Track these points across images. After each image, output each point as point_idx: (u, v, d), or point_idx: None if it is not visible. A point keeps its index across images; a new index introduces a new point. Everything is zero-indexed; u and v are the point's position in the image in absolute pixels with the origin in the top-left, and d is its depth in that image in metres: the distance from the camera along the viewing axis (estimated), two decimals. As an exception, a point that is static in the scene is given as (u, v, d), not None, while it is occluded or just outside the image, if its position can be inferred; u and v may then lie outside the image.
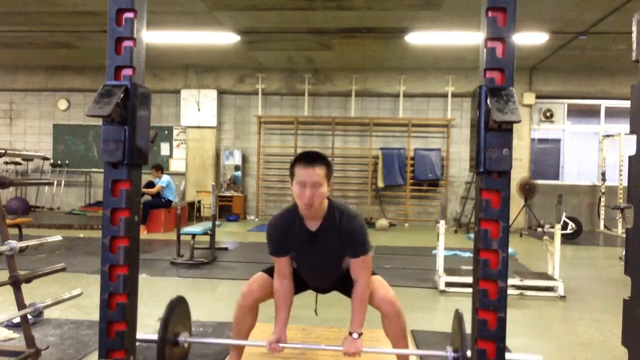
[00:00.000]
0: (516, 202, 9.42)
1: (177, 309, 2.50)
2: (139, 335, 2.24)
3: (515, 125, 1.91)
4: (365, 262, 2.27)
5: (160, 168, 8.94)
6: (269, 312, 2.54)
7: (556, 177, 11.26)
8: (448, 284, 4.72)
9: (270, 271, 2.45)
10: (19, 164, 11.49)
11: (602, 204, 10.46)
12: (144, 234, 8.27)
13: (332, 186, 2.26)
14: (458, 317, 2.23)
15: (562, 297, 4.59)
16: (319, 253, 2.30)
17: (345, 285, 2.41)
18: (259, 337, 2.59)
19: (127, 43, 2.05)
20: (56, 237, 3.02)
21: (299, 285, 2.48)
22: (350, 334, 2.27)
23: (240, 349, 2.55)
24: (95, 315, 2.82)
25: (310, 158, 2.17)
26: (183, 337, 2.46)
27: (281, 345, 2.31)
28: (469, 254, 6.60)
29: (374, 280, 2.39)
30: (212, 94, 11.19)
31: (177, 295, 2.61)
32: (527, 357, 2.10)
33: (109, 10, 2.05)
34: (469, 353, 2.03)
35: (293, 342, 2.69)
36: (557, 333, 3.66)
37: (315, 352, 2.93)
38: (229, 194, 11.15)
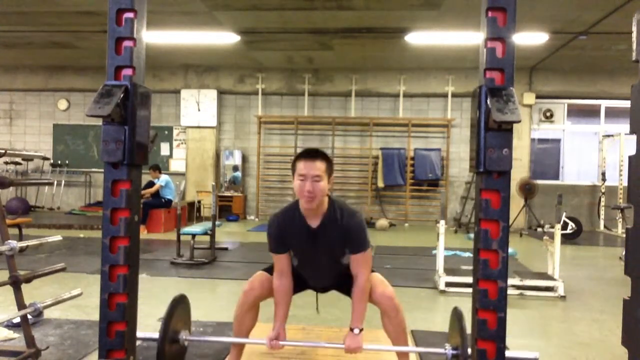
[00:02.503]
0: (516, 202, 9.42)
1: (179, 307, 2.50)
2: (139, 333, 2.24)
3: (515, 125, 1.91)
4: (365, 258, 2.28)
5: (158, 168, 8.94)
6: (269, 312, 2.54)
7: (556, 177, 11.26)
8: (448, 284, 4.72)
9: (270, 270, 2.46)
10: (19, 164, 11.49)
11: (602, 204, 10.45)
12: (144, 234, 8.27)
13: (332, 183, 2.28)
14: (457, 315, 2.23)
15: (562, 297, 4.59)
16: (319, 250, 2.30)
17: (344, 284, 2.41)
18: (256, 337, 2.59)
19: (127, 43, 2.05)
20: (56, 237, 3.02)
21: (299, 284, 2.47)
22: (352, 329, 2.28)
23: (240, 349, 2.55)
24: (95, 315, 2.82)
25: (311, 153, 2.22)
26: (183, 335, 2.46)
27: (281, 342, 2.31)
28: (469, 254, 6.60)
29: (373, 277, 2.40)
30: (212, 94, 11.19)
31: (180, 293, 2.61)
32: (525, 355, 2.10)
33: (109, 10, 2.05)
34: (469, 351, 2.03)
35: (293, 340, 2.69)
36: (557, 333, 3.66)
37: (315, 352, 2.93)
38: (229, 194, 11.15)
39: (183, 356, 2.61)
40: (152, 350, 2.97)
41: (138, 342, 2.21)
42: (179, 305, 2.51)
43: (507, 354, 1.93)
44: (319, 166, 2.17)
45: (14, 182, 2.74)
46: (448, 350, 2.17)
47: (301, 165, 2.18)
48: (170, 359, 2.41)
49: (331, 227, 2.25)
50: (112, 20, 2.05)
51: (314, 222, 2.27)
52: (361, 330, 2.28)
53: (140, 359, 2.81)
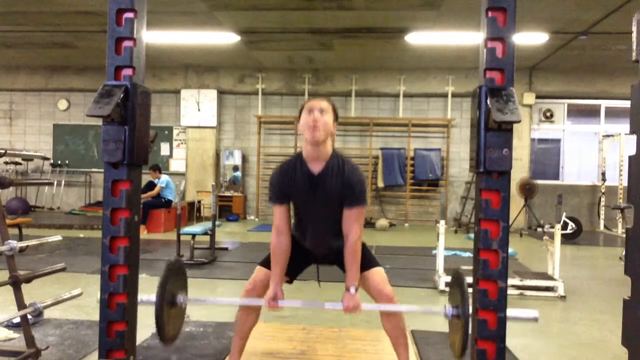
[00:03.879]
0: (516, 202, 9.42)
1: (175, 272, 2.38)
2: (139, 297, 2.21)
3: (515, 125, 1.91)
4: (358, 214, 2.30)
5: (158, 168, 8.94)
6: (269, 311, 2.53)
7: (556, 177, 11.26)
8: (448, 284, 4.71)
9: (267, 263, 2.43)
10: (19, 164, 11.48)
11: (602, 204, 10.46)
12: (144, 234, 8.27)
13: (335, 128, 2.38)
14: (457, 275, 2.21)
15: (562, 297, 4.59)
16: (319, 199, 2.31)
17: (342, 259, 2.37)
18: (257, 337, 2.58)
19: (127, 43, 2.06)
20: (56, 237, 3.02)
21: (299, 257, 2.44)
22: (348, 289, 2.27)
23: (240, 349, 2.54)
24: (95, 315, 2.82)
25: (317, 97, 2.41)
26: (181, 298, 2.40)
27: (280, 303, 2.29)
28: (469, 254, 6.60)
29: (375, 273, 2.39)
30: (212, 94, 11.19)
31: (175, 258, 2.54)
32: (525, 314, 2.10)
33: (109, 10, 2.05)
34: (470, 310, 2.02)
35: (292, 344, 2.68)
36: (557, 333, 3.66)
37: (315, 352, 2.93)
38: (229, 194, 11.15)
39: (182, 318, 2.52)
40: (152, 350, 2.98)
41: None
42: (175, 270, 2.39)
43: (508, 312, 1.95)
44: (325, 104, 2.31)
45: (14, 182, 2.74)
46: (448, 309, 2.18)
47: (308, 103, 2.32)
48: (169, 321, 2.34)
49: (332, 175, 2.29)
50: (112, 20, 2.05)
51: (316, 168, 2.30)
52: (357, 288, 2.28)
53: (140, 359, 2.81)
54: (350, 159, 2.40)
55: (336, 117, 2.37)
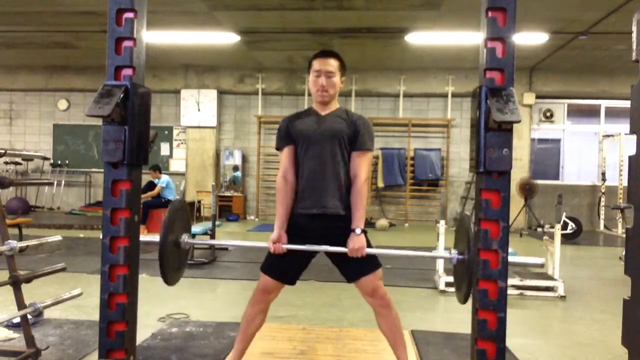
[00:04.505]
0: (516, 202, 9.42)
1: (179, 213, 2.40)
2: (143, 237, 2.24)
3: (515, 125, 1.91)
4: (366, 158, 2.38)
5: (159, 168, 8.93)
6: (271, 312, 2.53)
7: (556, 177, 11.26)
8: (448, 284, 4.71)
9: (268, 270, 2.41)
10: (19, 164, 11.49)
11: (602, 204, 10.46)
12: (144, 234, 8.27)
13: (344, 81, 2.45)
14: (463, 220, 2.21)
15: (562, 297, 4.59)
16: (324, 134, 2.36)
17: (339, 241, 2.31)
18: (257, 336, 2.58)
19: (127, 43, 2.06)
20: (56, 237, 3.02)
21: (298, 260, 2.40)
22: (353, 230, 2.28)
23: (241, 349, 2.53)
24: (95, 315, 2.82)
25: (325, 52, 2.42)
26: (185, 238, 2.40)
27: (283, 245, 2.30)
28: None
29: (372, 274, 2.36)
30: (212, 94, 11.19)
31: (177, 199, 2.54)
32: (531, 260, 2.13)
33: (109, 10, 2.05)
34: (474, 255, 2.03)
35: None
36: (557, 333, 3.66)
37: (315, 352, 2.93)
38: (229, 194, 11.15)
39: (186, 258, 2.54)
40: (152, 351, 2.98)
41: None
42: (179, 211, 2.41)
43: (514, 259, 1.97)
44: (332, 63, 2.36)
45: (14, 182, 2.74)
46: (454, 255, 2.19)
47: (316, 63, 2.37)
48: (174, 258, 2.36)
49: (339, 117, 2.41)
50: (112, 20, 2.05)
51: (324, 112, 2.43)
52: (363, 230, 2.30)
53: (140, 359, 2.81)
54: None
55: (344, 70, 2.43)
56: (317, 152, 2.37)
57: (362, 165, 2.36)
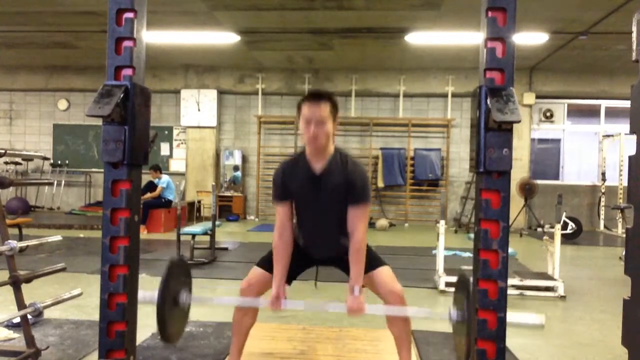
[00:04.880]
0: (516, 202, 9.41)
1: (177, 270, 2.36)
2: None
3: (515, 125, 1.91)
4: (363, 212, 2.29)
5: (159, 169, 8.93)
6: (268, 310, 2.52)
7: (556, 177, 11.25)
8: (448, 284, 4.71)
9: (264, 264, 2.42)
10: (19, 164, 11.48)
11: (602, 204, 10.45)
12: (144, 234, 8.27)
13: (337, 124, 2.32)
14: (464, 277, 2.19)
15: (562, 297, 4.58)
16: (321, 197, 2.29)
17: (343, 258, 2.34)
18: (257, 337, 2.58)
19: (127, 43, 2.06)
20: (56, 237, 3.02)
21: (300, 260, 2.41)
22: (352, 290, 2.23)
23: (240, 349, 2.54)
24: (95, 315, 2.82)
25: (315, 96, 2.25)
26: (184, 297, 2.37)
27: (283, 303, 2.27)
28: (469, 254, 6.60)
29: (383, 271, 2.37)
30: (212, 94, 11.19)
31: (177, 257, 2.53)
32: (530, 320, 2.12)
33: (109, 10, 2.05)
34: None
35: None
36: (557, 333, 3.66)
37: (315, 352, 2.93)
38: (229, 194, 11.15)
39: (186, 318, 2.47)
40: (152, 351, 2.98)
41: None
42: (177, 267, 2.37)
43: (511, 318, 1.95)
44: (323, 108, 2.21)
45: (14, 182, 2.74)
46: (453, 313, 2.20)
47: (306, 109, 2.22)
48: (172, 320, 2.29)
49: (335, 172, 2.27)
50: (112, 20, 2.05)
51: (318, 167, 2.28)
52: (361, 289, 2.24)
53: (140, 359, 2.81)
54: (352, 156, 2.39)
55: (336, 113, 2.29)
56: (316, 214, 2.36)
57: (359, 221, 2.27)
